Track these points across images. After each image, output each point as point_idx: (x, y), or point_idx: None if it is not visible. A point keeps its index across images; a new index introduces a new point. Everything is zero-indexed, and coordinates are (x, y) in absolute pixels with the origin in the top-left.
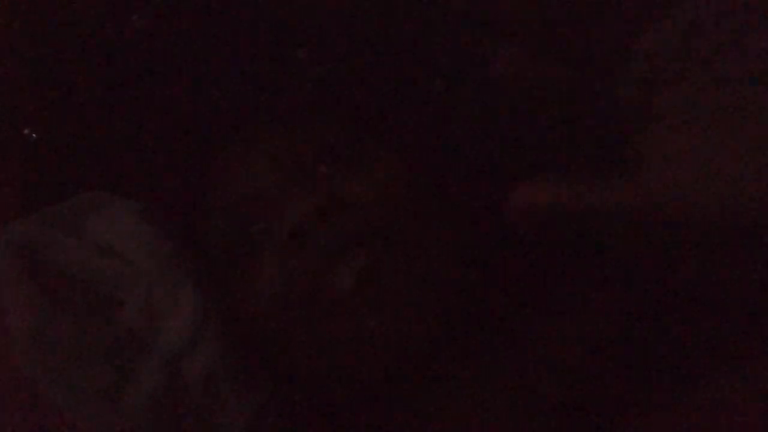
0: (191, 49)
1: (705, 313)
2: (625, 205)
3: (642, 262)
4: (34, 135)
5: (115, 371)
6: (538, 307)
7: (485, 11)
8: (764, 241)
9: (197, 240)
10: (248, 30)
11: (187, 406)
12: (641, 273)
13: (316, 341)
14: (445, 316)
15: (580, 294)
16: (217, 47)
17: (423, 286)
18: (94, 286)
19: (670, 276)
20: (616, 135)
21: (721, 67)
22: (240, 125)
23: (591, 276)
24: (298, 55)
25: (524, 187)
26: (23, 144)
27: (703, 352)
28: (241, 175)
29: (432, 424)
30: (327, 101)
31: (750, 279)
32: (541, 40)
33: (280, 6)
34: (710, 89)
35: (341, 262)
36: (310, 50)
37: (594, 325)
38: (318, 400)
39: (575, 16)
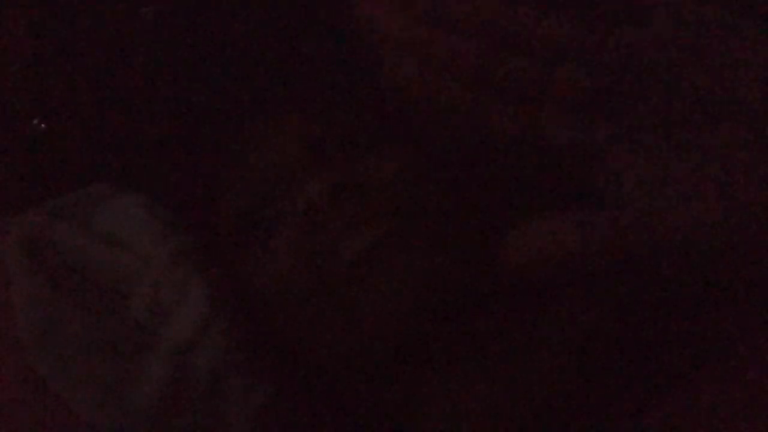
0: (204, 35)
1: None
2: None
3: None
4: (42, 125)
5: (122, 364)
6: (539, 296)
7: None
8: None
9: (209, 222)
10: (262, 19)
11: (194, 399)
12: (630, 280)
13: (326, 319)
14: (444, 298)
15: (576, 292)
16: (228, 35)
17: (426, 267)
18: (101, 278)
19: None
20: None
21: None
22: (255, 109)
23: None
24: (309, 42)
25: (513, 242)
26: (31, 135)
27: (695, 353)
28: (257, 157)
29: (433, 409)
30: (342, 87)
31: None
32: None
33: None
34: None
35: (351, 239)
36: (323, 39)
37: (589, 323)
38: (324, 390)
39: None
